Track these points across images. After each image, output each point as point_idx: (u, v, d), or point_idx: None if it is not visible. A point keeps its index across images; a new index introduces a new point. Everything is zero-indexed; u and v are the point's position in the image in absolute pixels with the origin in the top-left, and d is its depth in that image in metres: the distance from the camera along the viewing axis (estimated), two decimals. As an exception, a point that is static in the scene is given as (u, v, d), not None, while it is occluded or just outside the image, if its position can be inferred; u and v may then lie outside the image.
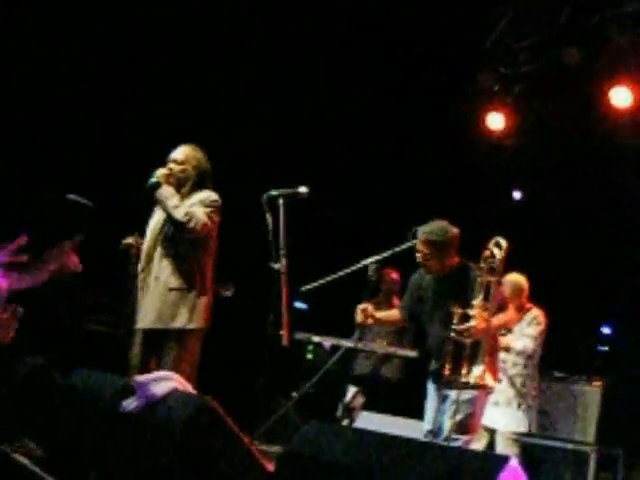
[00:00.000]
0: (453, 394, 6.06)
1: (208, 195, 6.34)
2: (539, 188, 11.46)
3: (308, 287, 6.93)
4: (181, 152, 6.48)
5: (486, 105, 10.54)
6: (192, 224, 6.11)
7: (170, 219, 6.19)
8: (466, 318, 5.89)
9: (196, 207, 6.21)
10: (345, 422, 8.37)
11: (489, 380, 5.82)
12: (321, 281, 6.91)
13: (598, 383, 8.66)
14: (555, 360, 9.16)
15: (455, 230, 6.29)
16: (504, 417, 7.91)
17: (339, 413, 8.81)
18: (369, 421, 7.42)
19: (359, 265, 6.85)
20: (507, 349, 7.91)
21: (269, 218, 6.31)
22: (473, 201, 10.95)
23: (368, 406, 8.51)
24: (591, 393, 8.63)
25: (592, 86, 9.65)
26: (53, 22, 9.10)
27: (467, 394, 6.05)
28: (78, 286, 8.27)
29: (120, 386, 4.62)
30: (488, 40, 10.38)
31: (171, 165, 6.41)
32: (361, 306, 6.54)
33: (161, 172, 6.28)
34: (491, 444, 8.00)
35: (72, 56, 9.28)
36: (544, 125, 10.43)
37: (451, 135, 10.90)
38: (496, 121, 10.49)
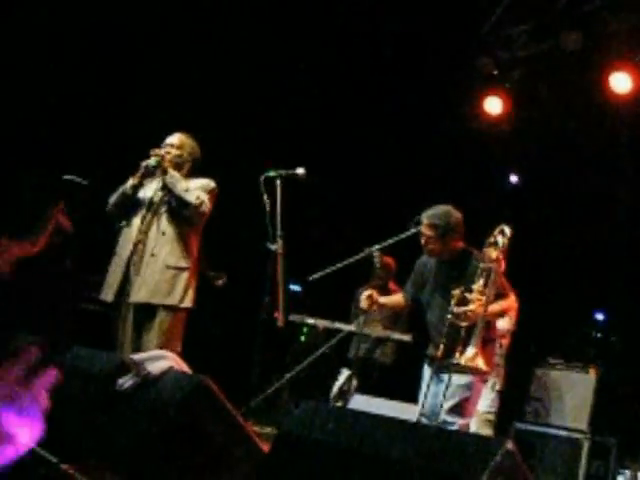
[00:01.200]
0: (451, 378, 6.06)
1: (208, 183, 6.49)
2: (536, 172, 11.45)
3: (315, 276, 6.90)
4: (178, 138, 6.61)
5: (484, 90, 10.51)
6: (203, 208, 6.28)
7: (179, 201, 6.28)
8: (464, 302, 5.91)
9: (200, 192, 6.33)
10: (338, 404, 8.39)
11: (480, 363, 5.80)
12: (327, 270, 6.87)
13: (593, 371, 8.66)
14: (549, 347, 9.18)
15: (459, 215, 6.30)
16: (481, 398, 7.89)
17: (332, 396, 8.85)
18: (362, 404, 7.41)
19: (364, 253, 6.86)
20: None
21: (266, 199, 6.32)
22: (471, 185, 10.93)
23: (361, 389, 8.52)
24: (586, 380, 8.62)
25: (591, 71, 9.61)
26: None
27: (464, 378, 6.06)
28: (72, 264, 8.28)
29: (116, 364, 4.61)
30: (487, 24, 10.34)
31: (168, 149, 6.51)
32: (366, 292, 6.56)
33: (160, 154, 6.36)
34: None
35: (62, 45, 9.21)
36: (542, 110, 10.41)
37: (450, 119, 10.88)
38: (494, 105, 10.46)
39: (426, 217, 6.27)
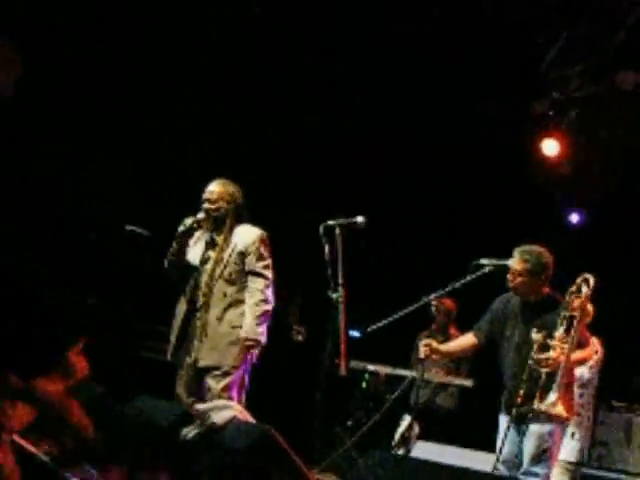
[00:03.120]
0: (532, 427, 6.01)
1: (260, 237, 6.54)
2: (598, 213, 11.34)
3: (373, 327, 6.86)
4: (212, 191, 6.55)
5: (541, 131, 10.48)
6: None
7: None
8: (546, 348, 5.87)
9: (257, 267, 6.46)
10: (401, 451, 8.33)
11: (560, 410, 5.73)
12: (384, 321, 6.82)
13: (658, 415, 8.50)
14: (614, 390, 9.04)
15: (551, 259, 6.29)
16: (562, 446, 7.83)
17: (394, 442, 8.78)
18: (425, 451, 7.34)
19: (421, 302, 6.83)
20: None
21: (326, 248, 6.31)
22: (531, 227, 10.85)
23: (424, 436, 8.45)
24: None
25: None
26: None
27: (545, 427, 6.02)
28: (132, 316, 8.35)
29: (180, 414, 4.63)
30: (542, 66, 10.32)
31: (205, 206, 6.48)
32: (424, 342, 6.54)
33: (190, 220, 6.40)
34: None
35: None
36: (599, 150, 10.35)
37: (507, 162, 10.84)
38: (551, 147, 10.43)
39: (518, 252, 6.28)
